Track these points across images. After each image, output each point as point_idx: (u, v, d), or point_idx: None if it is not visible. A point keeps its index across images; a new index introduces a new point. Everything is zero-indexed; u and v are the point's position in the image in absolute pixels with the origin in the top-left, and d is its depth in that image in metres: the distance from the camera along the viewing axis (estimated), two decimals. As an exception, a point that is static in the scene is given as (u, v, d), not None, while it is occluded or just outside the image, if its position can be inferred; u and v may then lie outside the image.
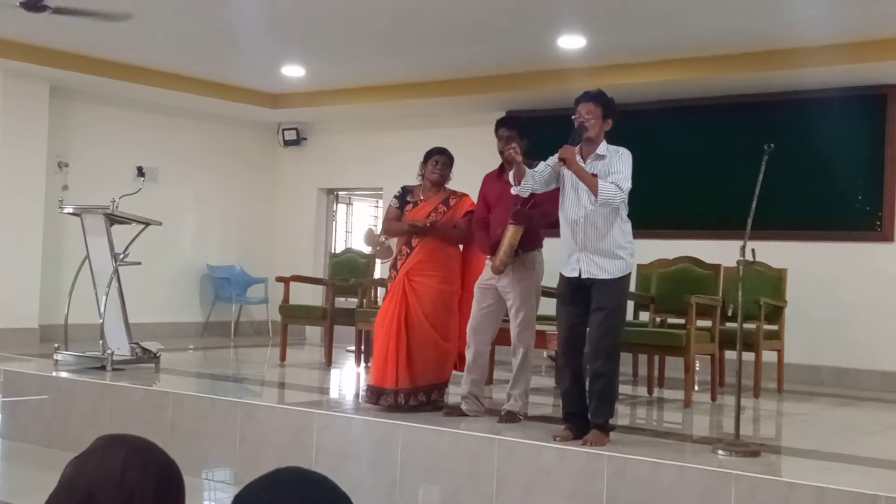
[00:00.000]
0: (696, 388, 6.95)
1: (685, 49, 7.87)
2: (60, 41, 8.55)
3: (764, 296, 7.00)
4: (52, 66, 8.90)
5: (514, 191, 5.09)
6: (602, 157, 4.88)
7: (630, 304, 7.20)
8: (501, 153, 5.37)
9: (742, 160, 7.32)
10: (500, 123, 5.59)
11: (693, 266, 7.23)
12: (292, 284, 8.67)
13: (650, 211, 8.32)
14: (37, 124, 9.32)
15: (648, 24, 7.28)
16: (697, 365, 7.16)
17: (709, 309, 6.67)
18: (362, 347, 7.98)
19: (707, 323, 6.72)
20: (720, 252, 6.96)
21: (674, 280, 7.20)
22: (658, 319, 7.28)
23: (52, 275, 9.27)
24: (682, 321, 6.72)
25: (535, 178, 4.95)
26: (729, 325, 6.95)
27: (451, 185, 6.04)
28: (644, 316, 7.42)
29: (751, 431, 5.68)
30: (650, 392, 7.04)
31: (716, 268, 7.09)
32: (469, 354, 5.60)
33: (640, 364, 7.67)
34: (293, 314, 8.63)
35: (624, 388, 6.99)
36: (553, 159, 4.89)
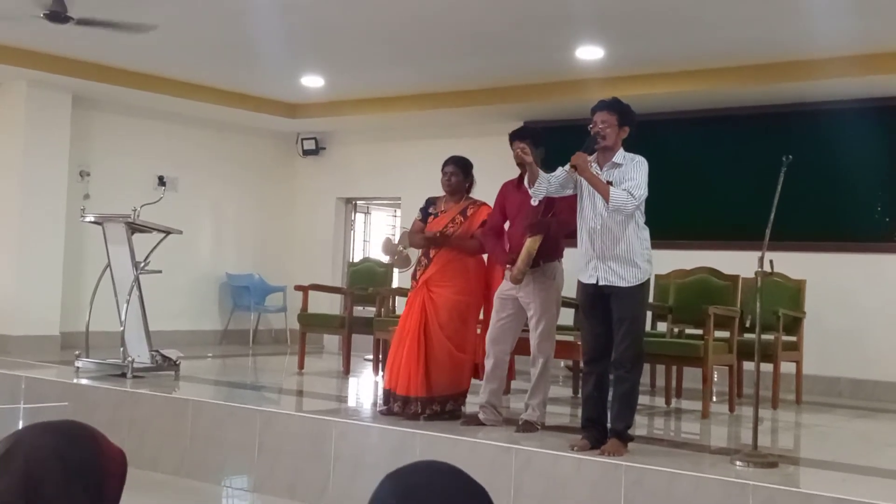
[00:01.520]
0: (714, 398, 6.94)
1: (703, 60, 7.88)
2: (83, 51, 8.64)
3: (782, 307, 6.99)
4: (74, 76, 8.99)
5: (533, 200, 5.12)
6: (618, 165, 4.89)
7: (648, 315, 7.20)
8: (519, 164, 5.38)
9: (760, 171, 7.31)
10: (514, 136, 5.60)
11: (711, 277, 7.22)
12: (311, 293, 8.71)
13: (668, 221, 8.30)
14: (59, 133, 9.42)
15: (666, 36, 7.30)
16: (716, 376, 7.15)
17: (727, 320, 6.66)
18: (380, 356, 8.01)
19: (725, 334, 6.71)
20: (738, 263, 6.95)
21: (692, 290, 7.19)
22: (676, 330, 7.28)
23: (73, 283, 9.35)
24: (700, 332, 6.72)
25: (549, 182, 4.98)
26: (747, 335, 6.93)
27: (474, 194, 6.06)
28: (662, 326, 7.42)
29: (769, 443, 5.67)
30: (668, 402, 7.03)
31: (734, 278, 7.08)
32: (488, 364, 5.62)
33: (657, 374, 7.66)
34: (311, 323, 8.66)
35: (641, 399, 6.92)
36: (568, 165, 4.92)
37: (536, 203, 5.34)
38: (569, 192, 5.02)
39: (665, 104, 8.58)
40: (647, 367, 7.35)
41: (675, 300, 7.27)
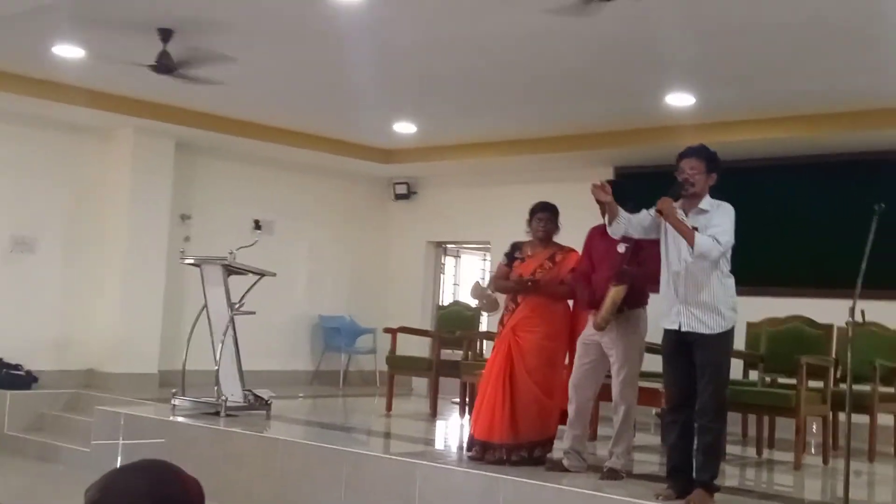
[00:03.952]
0: (808, 450, 6.76)
1: (794, 107, 7.80)
2: (186, 100, 9.00)
3: (880, 357, 6.79)
4: (177, 123, 9.38)
5: (612, 234, 5.12)
6: (705, 211, 4.88)
7: (739, 363, 7.09)
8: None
9: (854, 218, 7.13)
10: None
11: (804, 325, 7.08)
12: (401, 335, 8.81)
13: (761, 268, 8.22)
14: (163, 178, 9.81)
15: (758, 83, 7.25)
16: (814, 427, 6.96)
17: (820, 370, 6.52)
18: (467, 399, 8.04)
19: (819, 384, 6.55)
20: (833, 312, 6.77)
21: (784, 339, 7.05)
22: (768, 379, 7.14)
23: (172, 322, 9.65)
24: (793, 381, 6.57)
25: (630, 222, 5.00)
26: (843, 386, 6.75)
27: (559, 240, 6.08)
28: (754, 375, 7.28)
29: (864, 496, 5.50)
30: (759, 453, 6.88)
31: (828, 328, 6.92)
32: (571, 410, 5.61)
33: (749, 424, 7.50)
34: (399, 365, 8.75)
35: (732, 449, 6.85)
36: (653, 210, 4.92)
37: (623, 251, 5.36)
38: (653, 236, 5.02)
39: (756, 150, 8.50)
40: (738, 416, 7.26)
41: (768, 349, 7.14)
